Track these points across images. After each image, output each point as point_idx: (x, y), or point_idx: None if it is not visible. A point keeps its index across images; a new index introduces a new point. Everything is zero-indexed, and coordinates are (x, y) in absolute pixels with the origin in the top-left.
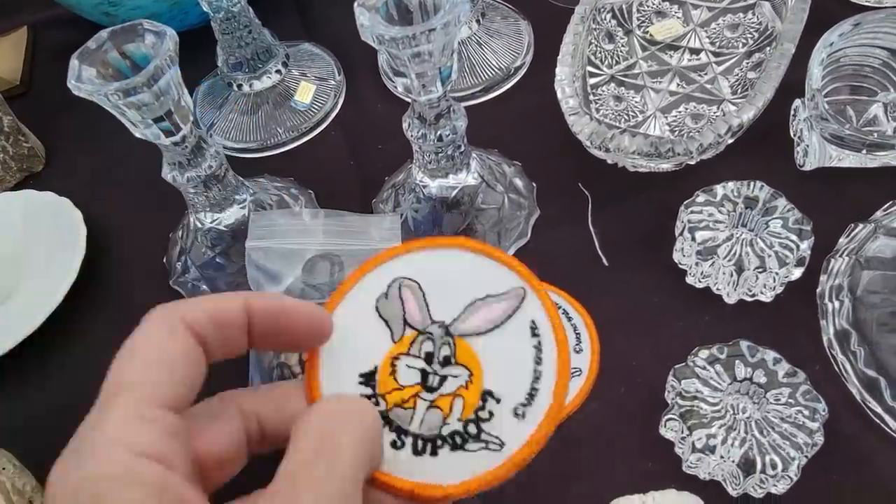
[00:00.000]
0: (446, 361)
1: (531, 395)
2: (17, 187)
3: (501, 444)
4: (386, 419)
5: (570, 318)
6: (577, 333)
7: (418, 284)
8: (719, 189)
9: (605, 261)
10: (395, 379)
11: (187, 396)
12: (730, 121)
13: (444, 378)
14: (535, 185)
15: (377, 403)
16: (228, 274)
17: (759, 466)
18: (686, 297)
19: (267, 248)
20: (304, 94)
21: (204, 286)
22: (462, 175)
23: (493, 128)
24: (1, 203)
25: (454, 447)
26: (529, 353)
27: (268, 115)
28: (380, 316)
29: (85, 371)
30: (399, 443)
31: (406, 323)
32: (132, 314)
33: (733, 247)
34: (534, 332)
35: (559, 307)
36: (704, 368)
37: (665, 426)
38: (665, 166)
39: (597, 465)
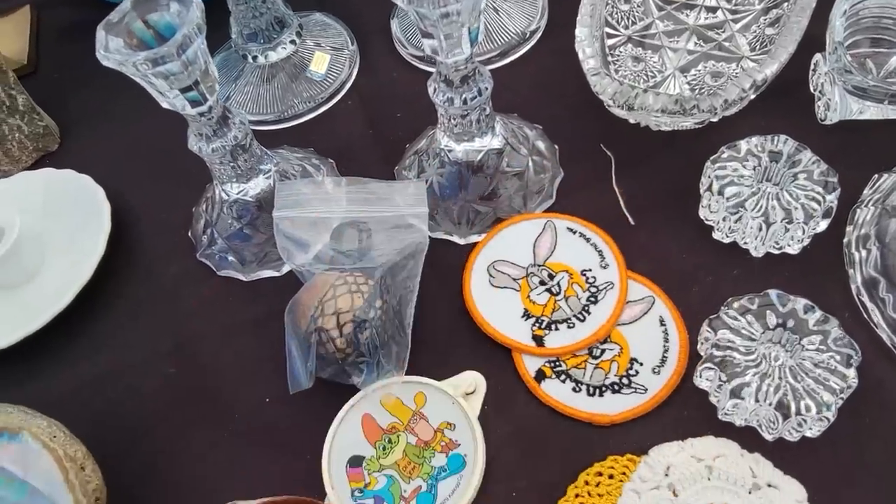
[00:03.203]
0: (604, 341)
1: (664, 360)
2: (33, 167)
3: (646, 390)
4: (567, 374)
5: (588, 239)
6: (598, 251)
7: None
8: (743, 144)
9: (630, 220)
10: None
11: None
12: (753, 75)
13: (603, 350)
14: (556, 147)
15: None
16: (255, 244)
17: (793, 410)
18: (714, 252)
19: (294, 217)
20: (320, 64)
21: (231, 257)
22: (487, 138)
23: (511, 93)
24: (20, 182)
25: (614, 392)
26: (660, 335)
27: (283, 87)
28: None
29: (118, 344)
30: (577, 389)
31: None
32: (162, 286)
33: (759, 201)
34: (661, 322)
35: (575, 231)
36: (736, 319)
37: (700, 376)
38: (687, 124)
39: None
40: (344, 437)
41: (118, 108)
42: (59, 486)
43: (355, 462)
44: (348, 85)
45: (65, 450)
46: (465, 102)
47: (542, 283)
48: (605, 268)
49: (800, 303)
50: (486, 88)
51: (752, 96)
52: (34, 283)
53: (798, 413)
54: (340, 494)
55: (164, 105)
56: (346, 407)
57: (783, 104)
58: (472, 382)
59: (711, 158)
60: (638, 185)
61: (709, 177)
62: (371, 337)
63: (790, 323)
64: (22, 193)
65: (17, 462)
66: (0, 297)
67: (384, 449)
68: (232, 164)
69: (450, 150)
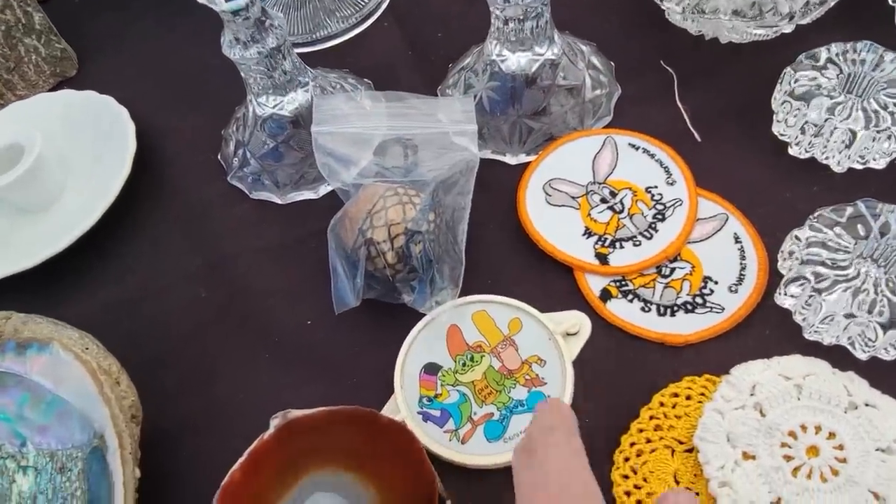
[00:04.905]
0: (674, 259)
1: (741, 278)
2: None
3: (722, 309)
4: (634, 294)
5: (652, 155)
6: (664, 167)
7: None
8: (823, 52)
9: (697, 136)
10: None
11: None
12: None
13: (673, 269)
14: (613, 64)
15: (628, 284)
16: (290, 164)
17: (890, 321)
18: (790, 168)
19: (334, 132)
20: None
21: (265, 179)
22: (544, 48)
23: (562, 8)
24: (39, 104)
25: (687, 311)
26: (736, 253)
27: (316, 7)
28: None
29: (147, 266)
30: (646, 308)
31: None
32: (191, 209)
33: (843, 111)
34: (737, 240)
35: (638, 147)
36: (823, 231)
37: (784, 293)
38: (760, 32)
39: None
40: (425, 341)
41: (136, 34)
42: (94, 399)
43: (431, 369)
44: (384, 4)
45: (98, 362)
46: (523, 0)
47: (604, 200)
48: (671, 184)
49: (894, 212)
50: None
51: (834, 1)
52: (58, 205)
53: None
54: (408, 398)
55: None
56: (435, 312)
57: (858, 17)
58: (575, 323)
59: (789, 68)
60: (703, 101)
61: (789, 86)
62: (424, 251)
63: (883, 234)
64: (42, 115)
65: (47, 374)
66: (25, 219)
67: (464, 365)
68: (269, 73)
69: (503, 60)
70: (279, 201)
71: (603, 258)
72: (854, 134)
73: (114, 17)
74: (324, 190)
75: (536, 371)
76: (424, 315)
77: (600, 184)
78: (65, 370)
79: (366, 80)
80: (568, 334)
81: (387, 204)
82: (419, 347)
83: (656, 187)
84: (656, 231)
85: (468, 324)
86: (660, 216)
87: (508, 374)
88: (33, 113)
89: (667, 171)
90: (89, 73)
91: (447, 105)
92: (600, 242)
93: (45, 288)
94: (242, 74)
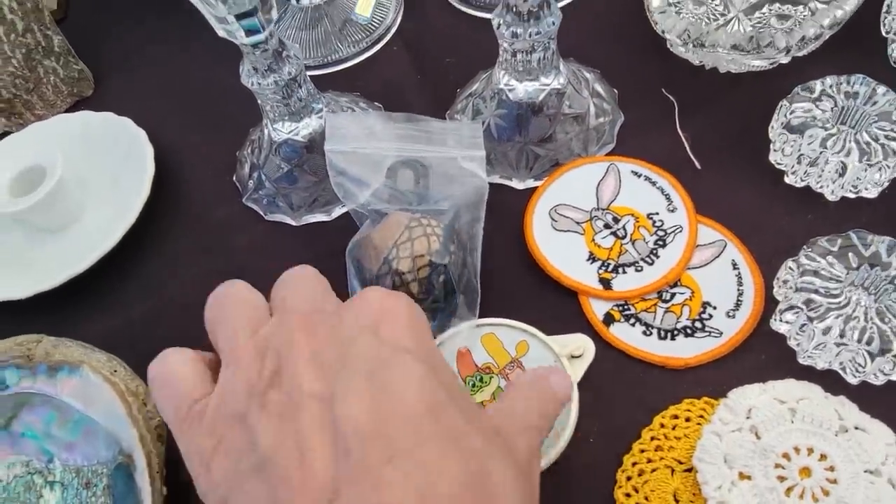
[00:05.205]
0: (674, 285)
1: (738, 303)
2: (67, 112)
3: (720, 333)
4: (636, 318)
5: (654, 183)
6: (665, 194)
7: None
8: (818, 85)
9: (697, 164)
10: (642, 299)
11: None
12: (833, 11)
13: (673, 294)
14: (616, 91)
15: (630, 308)
16: (303, 188)
17: (881, 350)
18: (786, 196)
19: (346, 150)
20: (364, 6)
21: (280, 201)
22: (550, 77)
23: (566, 36)
24: (58, 125)
25: (686, 335)
26: (733, 279)
27: (327, 31)
28: None
29: (166, 286)
30: (648, 332)
31: None
32: (209, 230)
33: (837, 142)
34: (734, 266)
35: (640, 174)
36: (817, 260)
37: (779, 319)
38: (757, 64)
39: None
40: None
41: (151, 55)
42: (122, 420)
43: None
44: (394, 29)
45: (126, 384)
46: (530, 37)
47: (607, 226)
48: (672, 211)
49: (884, 243)
50: (554, 23)
51: (829, 34)
52: (79, 226)
53: (885, 353)
54: None
55: (221, 33)
56: (445, 335)
57: (852, 49)
58: (580, 346)
59: (785, 99)
60: (702, 130)
61: (784, 117)
62: (447, 282)
63: (874, 265)
64: (61, 136)
65: (77, 396)
66: (46, 239)
67: (474, 386)
68: (285, 101)
69: (511, 90)
70: (293, 223)
71: (606, 283)
72: (846, 165)
73: (130, 37)
74: (337, 212)
75: None
76: (435, 339)
77: (604, 210)
78: (95, 392)
79: (376, 103)
80: (573, 356)
81: (412, 235)
82: None
83: (657, 214)
84: (658, 257)
85: (477, 347)
86: (661, 242)
87: None
88: (53, 133)
89: (668, 198)
90: (105, 93)
91: (456, 130)
92: (604, 268)
93: (63, 308)
94: (259, 101)
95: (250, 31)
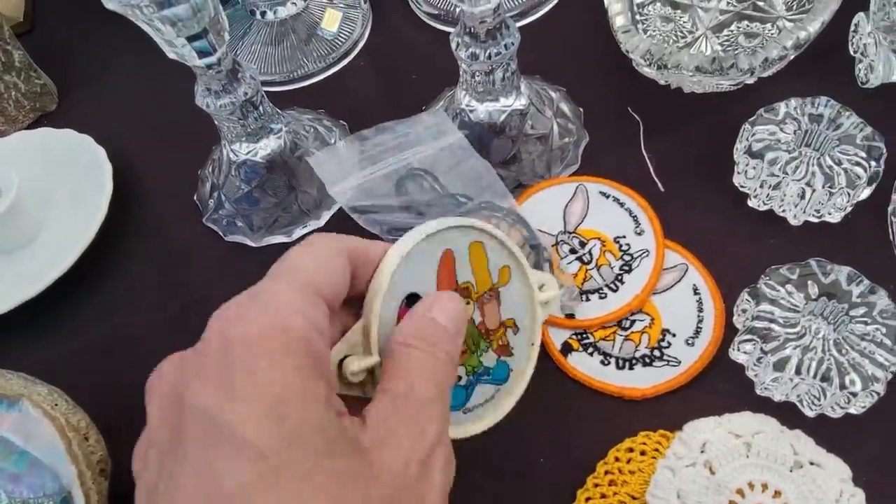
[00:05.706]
0: (634, 312)
1: (697, 331)
2: (30, 128)
3: (679, 362)
4: (594, 347)
5: (622, 204)
6: (633, 216)
7: None
8: (782, 107)
9: (660, 186)
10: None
11: (335, 304)
12: (796, 33)
13: (633, 321)
14: (581, 110)
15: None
16: (264, 209)
17: (838, 384)
18: (749, 220)
19: (346, 190)
20: (331, 21)
21: (240, 222)
22: (511, 98)
23: (532, 53)
24: (17, 142)
25: (644, 365)
26: (694, 305)
27: (293, 46)
28: None
29: (121, 310)
30: (606, 362)
31: None
32: (167, 252)
33: (799, 166)
34: (695, 291)
35: (608, 195)
36: (776, 289)
37: (737, 349)
38: (722, 85)
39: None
40: (415, 265)
41: (117, 69)
42: (62, 457)
43: (412, 303)
44: (361, 44)
45: (67, 418)
46: (489, 58)
47: (573, 251)
48: (640, 234)
49: (843, 272)
50: (513, 43)
51: (793, 55)
52: (34, 247)
53: (843, 387)
54: (381, 333)
55: (171, 55)
56: (435, 224)
57: (819, 67)
58: (554, 295)
59: (748, 121)
60: (667, 151)
61: (746, 140)
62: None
63: (833, 294)
64: (19, 153)
65: (17, 431)
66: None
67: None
68: (241, 121)
69: (471, 110)
70: (253, 244)
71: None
72: (808, 190)
73: (97, 49)
74: (298, 233)
75: (509, 338)
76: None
77: (570, 233)
78: (34, 427)
79: (341, 121)
80: (542, 304)
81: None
82: (412, 267)
83: (625, 237)
84: (622, 283)
85: (463, 255)
86: (626, 267)
87: (486, 334)
88: (10, 151)
89: (636, 220)
90: (69, 107)
91: (415, 122)
92: (567, 296)
93: (14, 332)
94: (216, 122)
95: (202, 53)
